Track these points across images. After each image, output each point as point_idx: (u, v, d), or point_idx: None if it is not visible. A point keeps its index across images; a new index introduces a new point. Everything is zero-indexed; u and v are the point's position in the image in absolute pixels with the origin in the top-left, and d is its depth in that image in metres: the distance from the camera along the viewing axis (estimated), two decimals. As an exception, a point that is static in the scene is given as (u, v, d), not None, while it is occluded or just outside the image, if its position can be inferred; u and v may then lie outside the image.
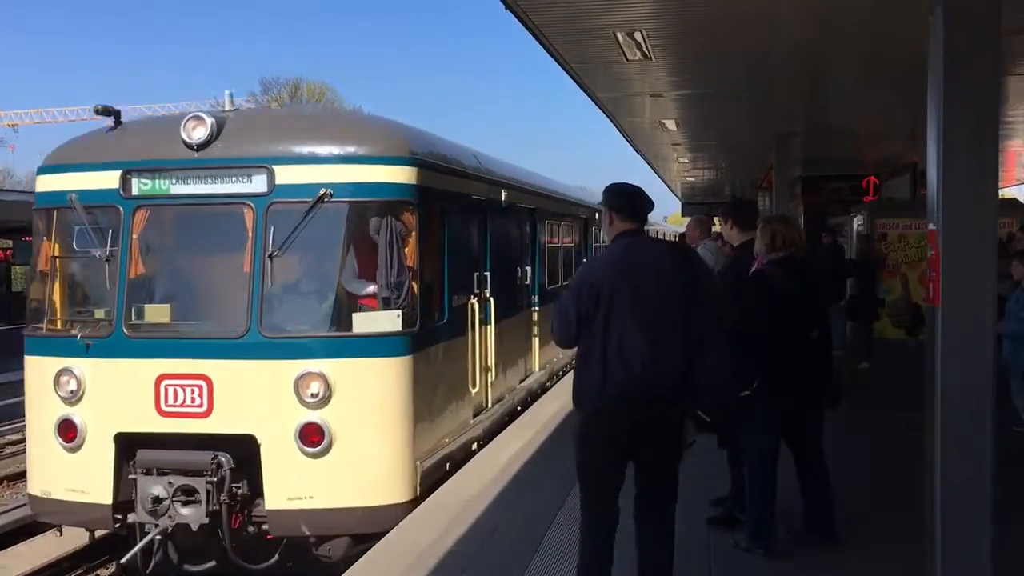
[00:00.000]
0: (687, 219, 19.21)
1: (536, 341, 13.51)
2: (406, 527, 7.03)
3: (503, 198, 11.39)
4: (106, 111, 8.18)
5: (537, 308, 13.58)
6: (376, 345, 7.58)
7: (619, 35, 8.50)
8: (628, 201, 5.08)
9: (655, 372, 4.70)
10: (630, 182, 5.24)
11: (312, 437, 7.27)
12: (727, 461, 6.71)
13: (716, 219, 11.30)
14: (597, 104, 12.65)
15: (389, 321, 7.56)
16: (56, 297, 8.25)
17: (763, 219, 6.66)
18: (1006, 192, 24.89)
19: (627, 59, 9.38)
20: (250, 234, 7.58)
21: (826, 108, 13.65)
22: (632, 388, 4.68)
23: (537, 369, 13.48)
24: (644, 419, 4.75)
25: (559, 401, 12.02)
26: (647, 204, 5.15)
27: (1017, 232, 13.62)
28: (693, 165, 23.42)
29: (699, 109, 13.64)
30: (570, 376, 5.67)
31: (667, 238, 24.93)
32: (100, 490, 7.51)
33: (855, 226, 19.00)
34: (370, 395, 7.53)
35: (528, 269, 13.17)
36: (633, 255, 4.91)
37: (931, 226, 5.09)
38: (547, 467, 8.61)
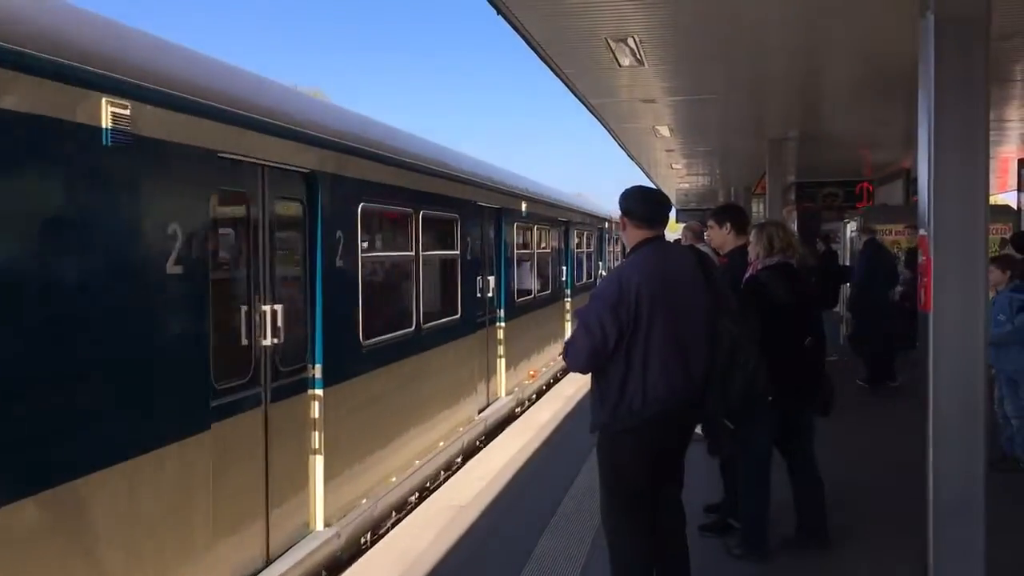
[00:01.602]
0: (681, 225, 19.22)
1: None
2: (398, 534, 7.00)
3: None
4: None
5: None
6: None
7: (611, 41, 8.50)
8: (650, 207, 4.91)
9: (692, 383, 4.67)
10: (644, 185, 5.16)
11: None
12: (719, 469, 6.70)
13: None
14: (590, 110, 12.65)
15: None
16: None
17: (757, 224, 6.65)
18: (999, 198, 24.94)
19: (619, 65, 9.38)
20: None
21: (820, 113, 13.67)
22: (674, 401, 4.62)
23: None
24: (678, 434, 4.77)
25: (551, 409, 12.00)
26: (668, 208, 5.07)
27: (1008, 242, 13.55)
28: (687, 171, 23.44)
29: (693, 115, 13.65)
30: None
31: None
32: None
33: (848, 232, 19.03)
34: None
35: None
36: (662, 263, 4.78)
37: (922, 232, 5.09)
38: (541, 473, 8.59)
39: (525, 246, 14.03)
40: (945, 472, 4.93)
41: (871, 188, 22.73)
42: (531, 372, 14.02)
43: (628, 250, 4.92)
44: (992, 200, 21.79)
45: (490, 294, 11.59)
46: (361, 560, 6.56)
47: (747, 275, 6.29)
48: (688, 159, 20.57)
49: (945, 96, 4.91)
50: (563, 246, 17.32)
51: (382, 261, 8.60)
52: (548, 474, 8.55)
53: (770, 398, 5.50)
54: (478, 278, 11.12)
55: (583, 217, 19.73)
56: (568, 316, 17.19)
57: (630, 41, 8.51)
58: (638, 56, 9.06)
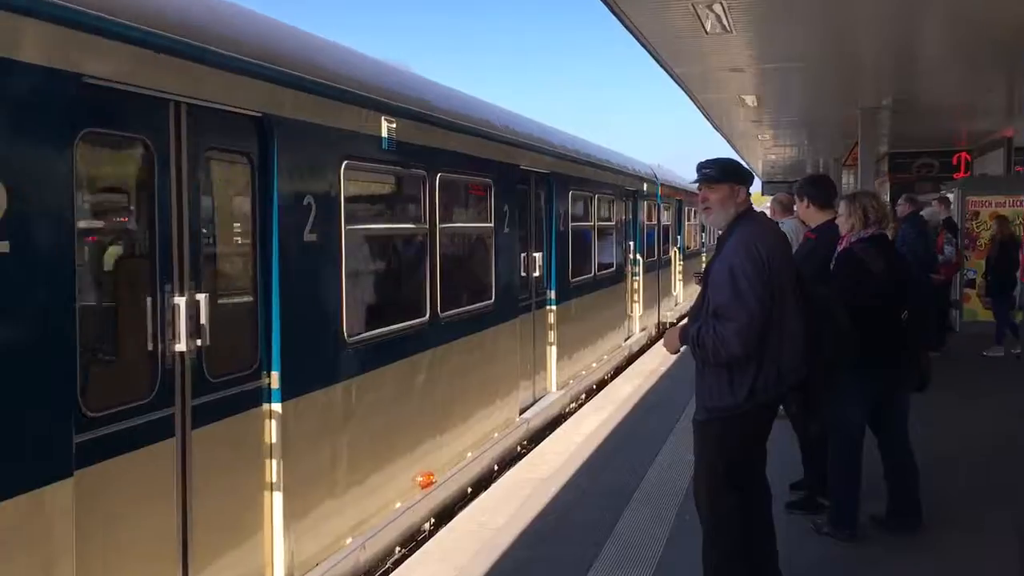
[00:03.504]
0: (768, 198, 18.72)
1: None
2: (479, 507, 7.03)
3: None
4: None
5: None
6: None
7: (697, 7, 8.28)
8: (750, 174, 4.88)
9: (805, 352, 4.57)
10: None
11: None
12: (799, 446, 6.54)
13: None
14: (675, 80, 12.40)
15: None
16: None
17: (849, 196, 6.41)
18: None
19: (706, 32, 9.15)
20: None
21: (915, 80, 13.12)
22: (801, 374, 4.53)
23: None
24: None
25: (632, 383, 11.91)
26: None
27: None
28: (774, 142, 22.90)
29: (781, 83, 13.27)
30: None
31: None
32: None
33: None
34: None
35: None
36: (771, 234, 4.71)
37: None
38: (623, 447, 8.53)
39: (583, 218, 12.33)
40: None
41: (969, 158, 21.81)
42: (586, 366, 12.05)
43: (730, 221, 4.70)
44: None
45: (536, 273, 10.05)
46: (442, 531, 6.61)
47: (840, 248, 6.08)
48: (775, 129, 20.08)
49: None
50: (631, 219, 15.46)
51: (378, 236, 6.82)
52: (630, 448, 8.48)
53: (862, 369, 5.34)
54: (521, 255, 9.61)
55: (654, 187, 17.73)
56: (637, 297, 15.45)
57: (716, 7, 8.28)
58: (724, 22, 8.81)
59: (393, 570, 6.04)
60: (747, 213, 4.73)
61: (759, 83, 13.09)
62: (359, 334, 6.06)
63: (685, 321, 4.92)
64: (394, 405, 6.51)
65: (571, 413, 10.60)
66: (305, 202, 5.32)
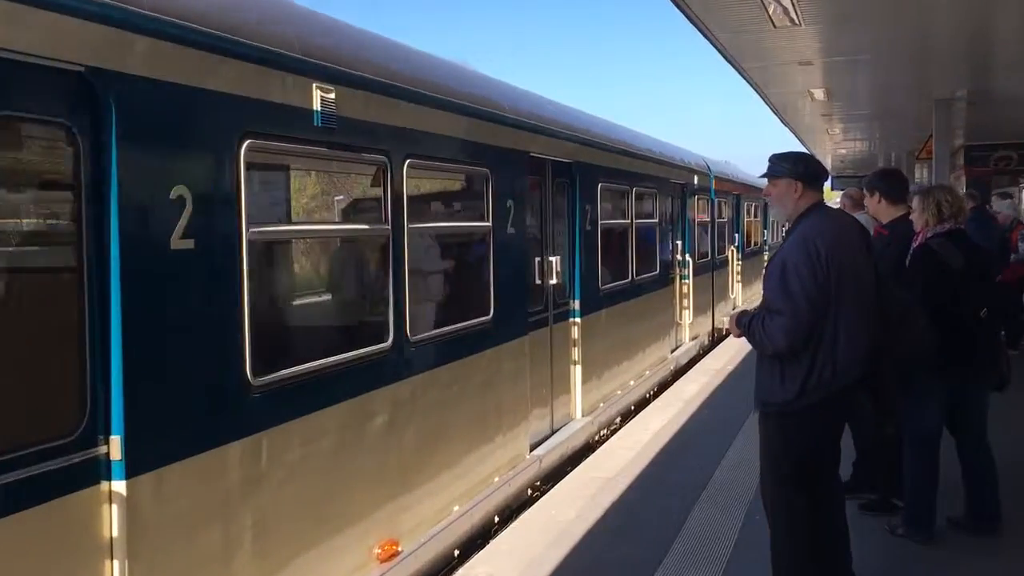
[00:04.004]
0: (838, 194, 18.35)
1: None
2: (546, 503, 7.06)
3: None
4: None
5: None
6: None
7: (766, 1, 8.17)
8: (815, 168, 4.79)
9: (870, 351, 4.50)
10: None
11: None
12: (854, 446, 6.44)
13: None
14: (741, 74, 12.25)
15: None
16: None
17: (923, 190, 6.26)
18: None
19: (774, 26, 9.02)
20: None
21: (992, 69, 12.73)
22: (859, 370, 4.47)
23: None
24: (849, 404, 4.63)
25: (698, 382, 11.80)
26: (826, 171, 4.96)
27: None
28: (844, 136, 22.46)
29: (852, 76, 13.02)
30: None
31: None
32: None
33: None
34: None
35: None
36: (837, 230, 4.62)
37: None
38: (690, 445, 8.47)
39: (618, 215, 10.74)
40: None
41: (1050, 150, 21.08)
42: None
43: (793, 216, 4.70)
44: None
45: (554, 280, 8.38)
46: (511, 526, 6.65)
47: (915, 244, 5.94)
48: (845, 123, 19.68)
49: None
50: (679, 215, 13.94)
51: (313, 239, 6.20)
52: (697, 447, 8.42)
53: (939, 368, 5.22)
54: (536, 259, 8.14)
55: (707, 180, 16.01)
56: (687, 303, 13.97)
57: (785, 0, 8.16)
58: (792, 15, 8.67)
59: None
60: (814, 208, 4.66)
61: (828, 76, 12.85)
62: (273, 373, 4.47)
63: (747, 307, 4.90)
64: (333, 461, 4.94)
65: (602, 442, 9.17)
66: (173, 195, 3.87)
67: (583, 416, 9.08)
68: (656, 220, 12.25)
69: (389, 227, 5.60)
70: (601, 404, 9.57)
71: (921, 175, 24.84)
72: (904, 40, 10.39)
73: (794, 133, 21.72)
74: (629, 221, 10.98)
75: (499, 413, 7.13)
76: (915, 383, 5.46)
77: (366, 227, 6.07)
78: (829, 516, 4.69)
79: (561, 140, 8.71)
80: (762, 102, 15.33)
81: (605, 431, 9.71)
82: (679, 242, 13.77)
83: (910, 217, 6.12)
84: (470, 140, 6.71)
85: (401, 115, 5.74)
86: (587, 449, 8.93)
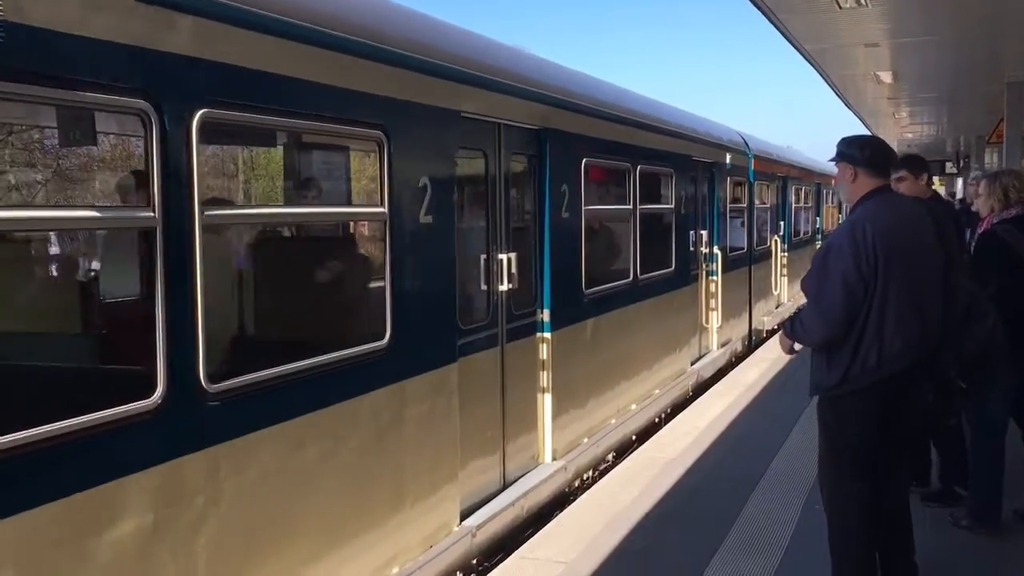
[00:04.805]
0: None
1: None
2: (606, 484, 7.09)
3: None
4: None
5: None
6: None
7: (832, -18, 8.05)
8: (874, 153, 4.65)
9: (927, 340, 4.43)
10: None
11: None
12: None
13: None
14: (805, 57, 12.06)
15: None
16: None
17: (990, 174, 6.13)
18: None
19: (840, 7, 8.86)
20: None
21: (1069, 51, 12.34)
22: (910, 359, 4.39)
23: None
24: (911, 394, 4.53)
25: (758, 369, 11.70)
26: (891, 156, 4.81)
27: None
28: (910, 120, 21.99)
29: (919, 58, 12.72)
30: None
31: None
32: None
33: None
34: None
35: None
36: (893, 213, 4.53)
37: None
38: (749, 432, 8.42)
39: (614, 198, 8.84)
40: None
41: None
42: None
43: (853, 202, 4.66)
44: None
45: (505, 286, 6.30)
46: (571, 507, 6.70)
47: (981, 229, 5.84)
48: (912, 107, 19.27)
49: None
50: (705, 200, 11.84)
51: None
52: (757, 434, 8.36)
53: (1008, 362, 5.11)
54: (482, 258, 6.17)
55: (744, 159, 13.63)
56: (715, 303, 11.96)
57: (851, -20, 8.03)
58: (860, -4, 8.52)
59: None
60: (874, 194, 4.57)
61: (895, 58, 12.58)
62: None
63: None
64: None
65: (576, 495, 7.12)
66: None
67: (554, 459, 7.00)
68: (672, 206, 10.04)
69: (154, 214, 3.51)
70: (586, 439, 7.57)
71: (991, 160, 24.21)
72: (975, 20, 10.12)
73: (859, 117, 21.32)
74: (631, 207, 8.82)
75: (399, 477, 5.05)
76: (981, 373, 5.36)
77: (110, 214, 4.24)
78: (888, 504, 4.64)
79: (519, 98, 6.54)
80: (827, 87, 15.08)
81: (594, 473, 7.71)
82: (703, 232, 11.62)
83: (958, 199, 6.01)
84: (343, 87, 4.61)
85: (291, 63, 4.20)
86: (564, 500, 7.01)
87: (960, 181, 32.87)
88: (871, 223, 4.40)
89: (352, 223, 5.85)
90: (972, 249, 5.86)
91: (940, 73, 14.43)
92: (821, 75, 13.85)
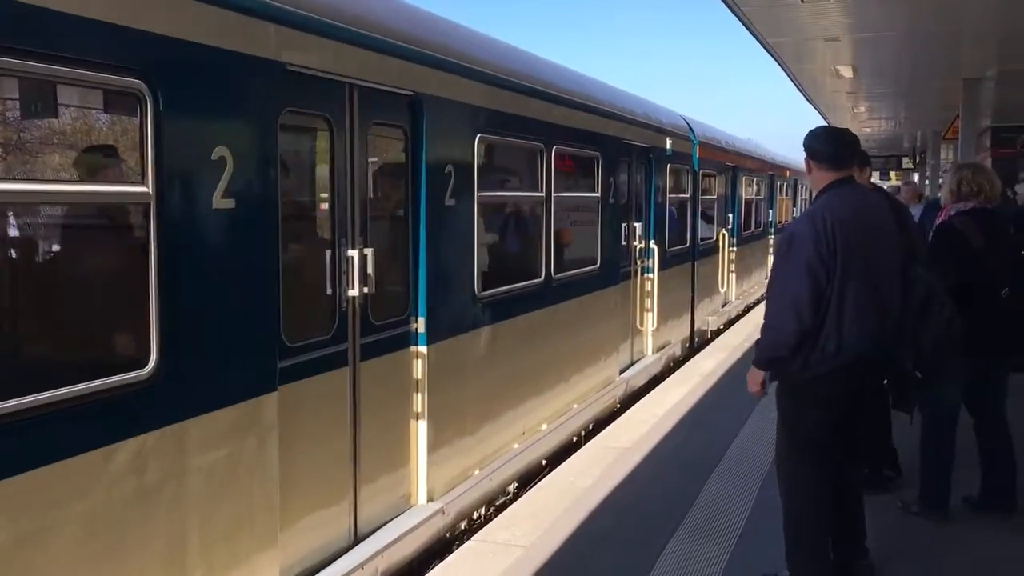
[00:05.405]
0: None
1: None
2: (563, 472, 7.12)
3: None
4: None
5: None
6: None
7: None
8: (835, 146, 4.69)
9: (885, 330, 4.49)
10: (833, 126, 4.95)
11: None
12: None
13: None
14: (767, 50, 12.14)
15: None
16: None
17: (955, 166, 6.27)
18: None
19: (801, 1, 8.94)
20: None
21: (1023, 48, 12.56)
22: (868, 347, 4.45)
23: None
24: (868, 383, 4.62)
25: (715, 358, 11.81)
26: (853, 148, 4.84)
27: None
28: (869, 115, 22.28)
29: (878, 53, 12.88)
30: None
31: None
32: None
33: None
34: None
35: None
36: (852, 204, 4.57)
37: None
38: (705, 420, 8.50)
39: (519, 184, 7.89)
40: None
41: (1079, 132, 20.80)
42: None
43: (815, 194, 4.72)
44: None
45: (354, 291, 5.06)
46: (526, 495, 6.71)
47: (939, 220, 5.95)
48: (871, 101, 19.52)
49: None
50: (640, 190, 10.63)
51: None
52: (713, 421, 8.45)
53: (962, 351, 5.21)
54: (326, 254, 4.97)
55: (687, 146, 12.46)
56: (650, 303, 10.78)
57: (813, -27, 8.09)
58: (821, -11, 8.60)
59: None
60: (834, 185, 4.62)
61: (855, 53, 12.72)
62: None
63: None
64: None
65: (463, 539, 6.05)
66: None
67: (431, 500, 5.84)
68: (597, 195, 8.86)
69: None
70: (476, 471, 6.42)
71: (947, 155, 24.63)
72: (933, 17, 10.26)
73: (819, 111, 21.54)
74: (543, 194, 7.63)
75: (177, 552, 3.82)
76: (937, 363, 5.46)
77: None
78: (842, 490, 4.71)
79: (381, 53, 5.29)
80: (789, 80, 15.21)
81: (488, 511, 6.57)
82: (636, 225, 10.38)
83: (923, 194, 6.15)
84: (70, 14, 3.29)
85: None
86: (447, 547, 5.95)
87: (917, 176, 33.42)
88: (830, 211, 4.46)
89: (99, 207, 3.89)
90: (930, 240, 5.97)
91: (898, 68, 14.62)
92: (782, 68, 13.96)
